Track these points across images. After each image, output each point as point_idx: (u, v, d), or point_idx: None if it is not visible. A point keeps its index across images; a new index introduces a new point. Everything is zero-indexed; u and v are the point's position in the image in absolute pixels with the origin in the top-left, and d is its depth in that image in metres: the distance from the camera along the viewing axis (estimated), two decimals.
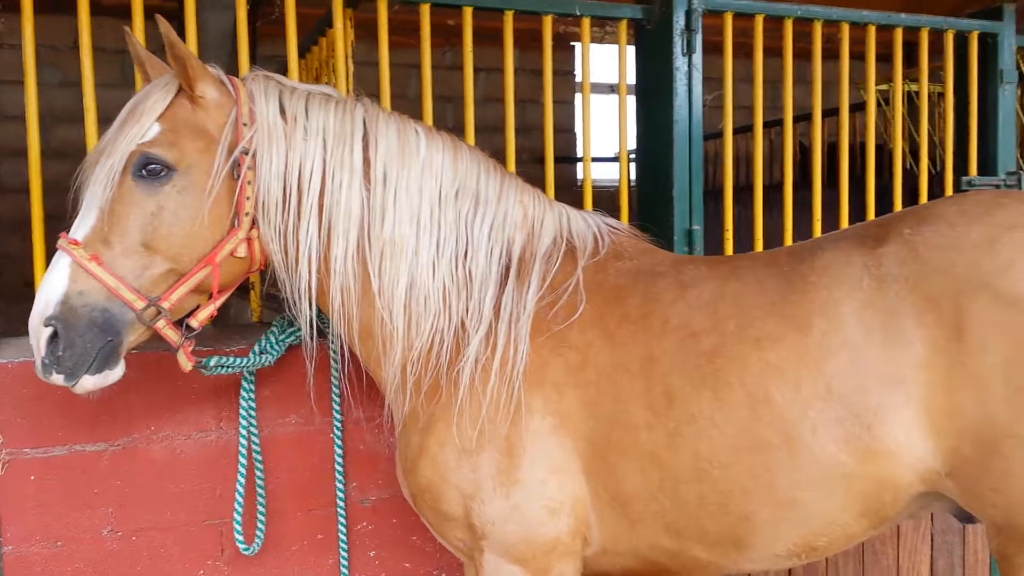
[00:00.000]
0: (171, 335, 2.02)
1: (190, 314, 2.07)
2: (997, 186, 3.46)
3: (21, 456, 2.32)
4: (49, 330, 1.91)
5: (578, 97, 9.02)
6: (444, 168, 2.15)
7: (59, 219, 2.17)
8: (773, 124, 3.77)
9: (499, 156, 2.48)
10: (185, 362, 2.08)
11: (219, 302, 2.10)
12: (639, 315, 2.06)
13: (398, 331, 2.10)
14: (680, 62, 2.96)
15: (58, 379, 1.94)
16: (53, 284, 1.92)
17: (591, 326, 2.08)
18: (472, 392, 2.04)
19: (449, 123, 2.89)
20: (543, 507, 2.03)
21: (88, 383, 1.95)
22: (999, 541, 1.83)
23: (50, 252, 2.05)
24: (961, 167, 3.55)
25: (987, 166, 3.54)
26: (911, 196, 3.48)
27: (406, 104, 2.78)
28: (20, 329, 2.35)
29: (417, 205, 2.11)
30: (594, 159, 8.67)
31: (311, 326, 2.16)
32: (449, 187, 2.15)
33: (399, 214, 2.09)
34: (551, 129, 2.99)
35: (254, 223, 2.05)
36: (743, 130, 3.88)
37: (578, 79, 8.63)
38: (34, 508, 2.33)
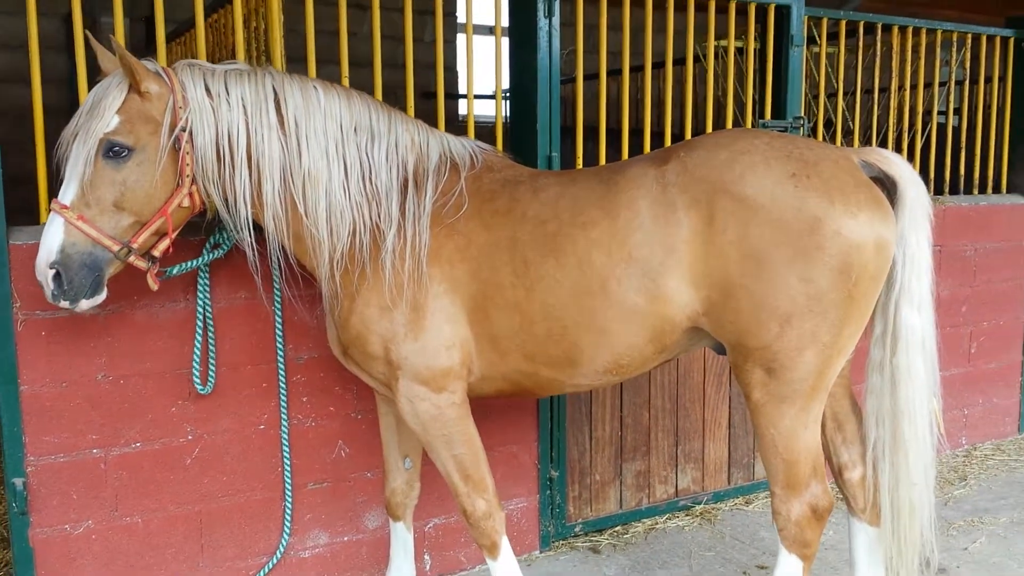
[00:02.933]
0: (140, 264, 2.73)
1: (153, 247, 2.76)
2: (785, 128, 4.45)
3: (33, 317, 2.98)
4: (53, 271, 2.61)
5: (460, 37, 9.71)
6: (341, 113, 2.84)
7: None
8: (616, 73, 4.60)
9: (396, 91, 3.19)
10: (152, 284, 2.79)
11: (172, 237, 2.78)
12: (506, 210, 2.88)
13: (324, 240, 2.81)
14: (543, 23, 3.76)
15: (64, 304, 2.65)
16: (51, 238, 2.61)
17: (472, 219, 2.88)
18: (393, 270, 2.83)
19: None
20: (441, 345, 2.85)
21: (84, 305, 2.67)
22: (732, 356, 2.76)
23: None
24: (760, 113, 4.54)
25: (779, 111, 4.53)
26: None
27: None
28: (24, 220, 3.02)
29: (324, 144, 2.79)
30: (475, 96, 9.40)
31: (252, 248, 2.84)
32: (348, 126, 2.84)
33: (312, 152, 2.77)
34: (441, 67, 3.73)
35: (193, 181, 2.72)
36: (592, 77, 4.73)
37: (460, 20, 9.30)
38: (44, 357, 3.00)
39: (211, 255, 3.10)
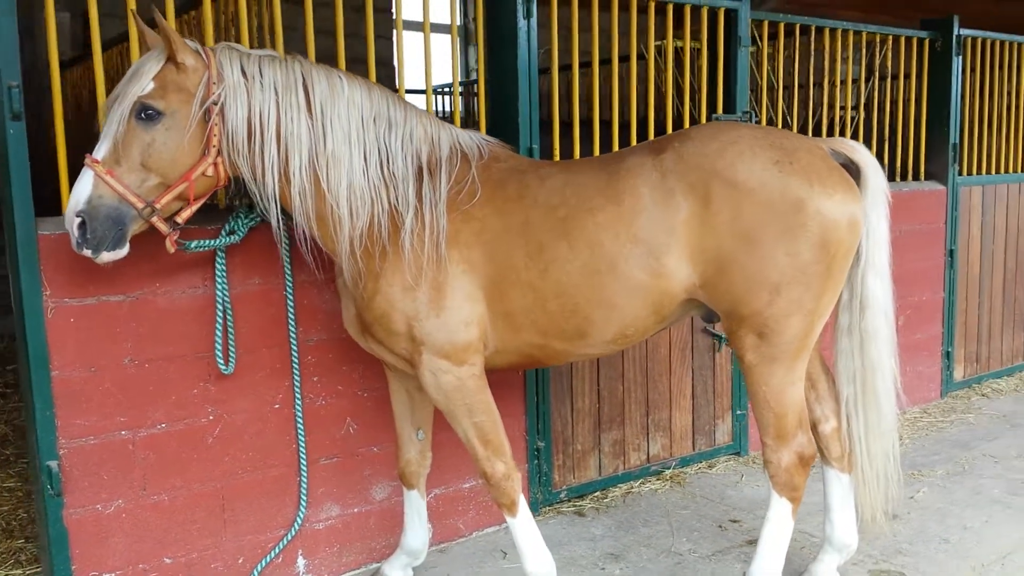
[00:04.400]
0: (162, 227, 2.90)
1: (176, 213, 2.94)
2: (736, 120, 4.84)
3: (63, 304, 3.10)
4: (79, 220, 2.77)
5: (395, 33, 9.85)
6: (362, 102, 3.05)
7: None
8: (586, 65, 4.90)
9: None
10: (169, 246, 2.95)
11: (196, 206, 2.96)
12: (517, 196, 3.13)
13: (344, 218, 3.02)
14: (522, 23, 4.04)
15: (86, 252, 2.81)
16: (81, 189, 2.77)
17: (486, 205, 3.12)
18: (413, 251, 3.04)
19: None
20: (461, 322, 3.08)
21: (106, 256, 2.83)
22: (727, 323, 3.08)
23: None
24: (712, 106, 4.91)
25: (729, 106, 4.90)
26: (678, 127, 4.78)
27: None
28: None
29: (347, 129, 3.01)
30: (416, 91, 9.56)
31: (277, 218, 3.05)
32: (368, 115, 3.06)
33: (335, 136, 2.99)
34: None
35: (219, 153, 2.91)
36: (564, 68, 5.02)
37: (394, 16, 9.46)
38: (74, 343, 3.12)
39: (227, 239, 3.27)
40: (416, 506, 3.57)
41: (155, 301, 3.27)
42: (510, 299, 3.09)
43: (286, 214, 3.14)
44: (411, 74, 9.72)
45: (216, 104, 2.86)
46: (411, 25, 9.35)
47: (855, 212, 3.01)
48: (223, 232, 3.29)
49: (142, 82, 2.81)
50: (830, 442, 3.38)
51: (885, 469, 3.26)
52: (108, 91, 3.04)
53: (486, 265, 3.08)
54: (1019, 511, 4.22)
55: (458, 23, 4.10)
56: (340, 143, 3.00)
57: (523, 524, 3.22)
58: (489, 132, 4.18)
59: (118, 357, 3.22)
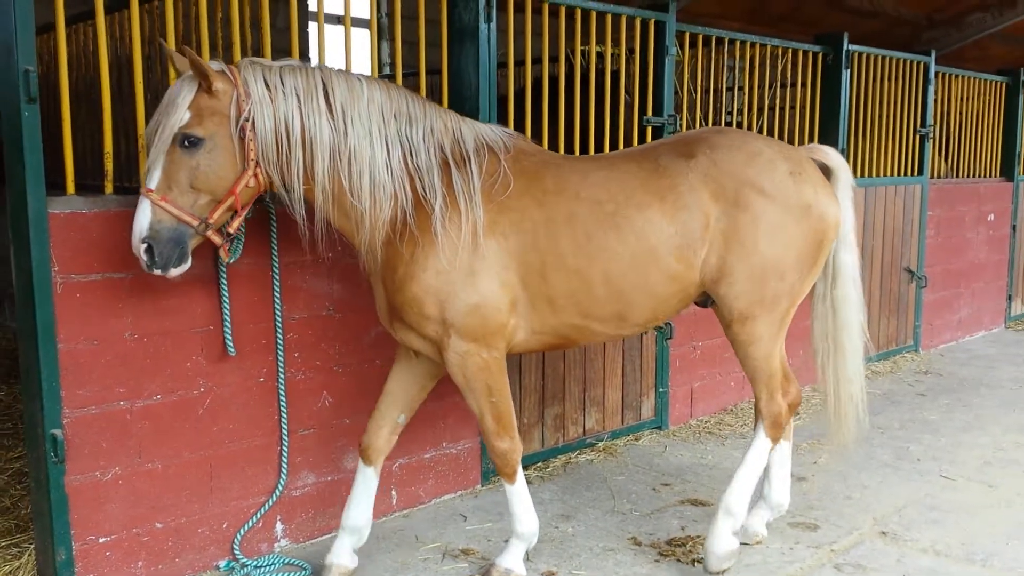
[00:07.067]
0: (216, 239, 3.15)
1: (228, 224, 3.16)
2: (662, 124, 5.29)
3: (70, 280, 3.23)
4: (145, 245, 3.02)
5: (313, 26, 9.92)
6: (382, 101, 3.27)
7: None
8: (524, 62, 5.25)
9: None
10: (223, 256, 3.24)
11: (244, 215, 3.20)
12: (556, 190, 3.39)
13: (367, 211, 3.24)
14: (483, 27, 4.36)
15: (157, 272, 3.06)
16: (142, 218, 3.02)
17: (523, 196, 3.37)
18: (447, 238, 3.25)
19: None
20: (493, 307, 3.32)
21: (174, 272, 3.08)
22: (731, 315, 3.51)
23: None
24: (643, 109, 5.36)
25: (657, 109, 5.36)
26: (613, 128, 5.20)
27: None
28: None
29: (368, 126, 3.22)
30: None
31: (302, 219, 3.22)
32: (388, 112, 3.27)
33: (356, 134, 3.20)
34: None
35: (257, 164, 3.11)
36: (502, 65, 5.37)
37: (312, 8, 9.52)
38: (78, 317, 3.26)
39: (235, 252, 3.53)
40: (369, 484, 3.67)
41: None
42: (552, 284, 3.36)
43: (277, 200, 3.38)
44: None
45: (248, 120, 3.06)
46: (330, 19, 9.45)
47: (838, 213, 3.63)
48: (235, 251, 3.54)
49: (179, 112, 3.00)
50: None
51: (851, 411, 3.84)
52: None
53: (527, 253, 3.33)
54: (906, 472, 4.86)
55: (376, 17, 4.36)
56: (362, 139, 3.20)
57: (519, 491, 3.55)
58: None
59: (119, 331, 3.37)
